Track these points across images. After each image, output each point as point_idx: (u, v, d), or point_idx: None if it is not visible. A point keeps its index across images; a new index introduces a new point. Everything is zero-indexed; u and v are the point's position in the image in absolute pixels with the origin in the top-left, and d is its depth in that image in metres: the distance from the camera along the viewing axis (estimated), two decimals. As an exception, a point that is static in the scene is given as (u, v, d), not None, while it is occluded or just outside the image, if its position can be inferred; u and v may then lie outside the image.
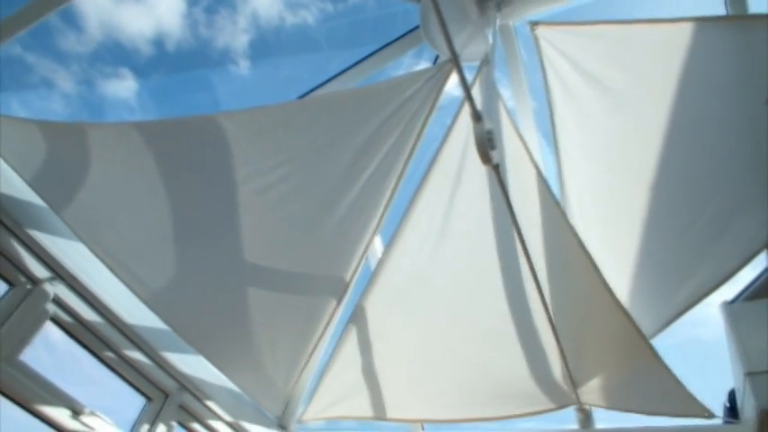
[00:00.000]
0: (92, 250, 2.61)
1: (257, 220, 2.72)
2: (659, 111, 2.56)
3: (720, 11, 2.57)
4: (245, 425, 3.32)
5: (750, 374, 2.60)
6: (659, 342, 2.72)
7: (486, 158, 1.94)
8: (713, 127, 2.54)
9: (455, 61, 1.91)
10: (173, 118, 2.59)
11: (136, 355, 2.86)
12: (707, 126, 2.56)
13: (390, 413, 3.15)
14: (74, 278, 2.51)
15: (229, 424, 3.27)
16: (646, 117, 2.60)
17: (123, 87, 4.10)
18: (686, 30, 2.46)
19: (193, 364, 3.04)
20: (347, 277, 2.89)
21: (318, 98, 2.82)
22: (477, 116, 1.94)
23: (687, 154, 2.59)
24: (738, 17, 2.46)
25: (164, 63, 4.20)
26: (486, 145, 1.92)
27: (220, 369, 3.07)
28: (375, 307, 2.92)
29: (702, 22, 2.44)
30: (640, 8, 3.31)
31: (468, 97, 1.92)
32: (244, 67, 4.30)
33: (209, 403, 3.14)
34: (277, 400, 3.35)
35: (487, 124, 1.95)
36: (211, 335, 2.96)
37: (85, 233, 2.57)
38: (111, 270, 2.65)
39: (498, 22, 2.54)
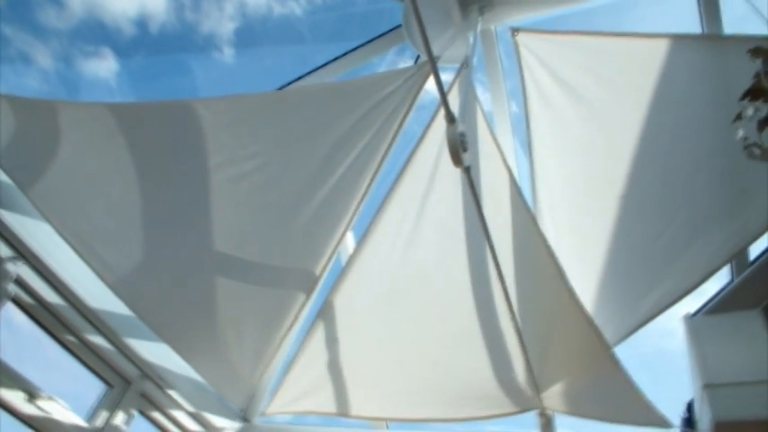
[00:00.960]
0: (58, 231, 2.56)
1: (229, 209, 2.70)
2: (633, 122, 2.60)
3: (696, 30, 2.62)
4: (208, 416, 3.30)
5: (707, 387, 2.66)
6: (627, 352, 2.76)
7: (457, 160, 1.95)
8: (684, 141, 2.59)
9: (431, 63, 1.93)
10: (148, 101, 2.56)
11: (98, 340, 2.82)
12: (678, 140, 2.61)
13: (355, 410, 3.15)
14: (37, 259, 2.46)
15: (191, 414, 3.24)
16: (619, 127, 2.64)
17: (103, 67, 4.03)
18: (662, 45, 2.51)
19: (157, 353, 3.01)
20: (317, 271, 2.88)
21: (297, 90, 2.81)
22: (450, 118, 1.95)
23: (658, 165, 2.64)
24: (713, 37, 2.51)
25: (146, 45, 4.13)
26: (459, 147, 1.93)
27: (184, 358, 3.04)
28: (344, 303, 2.91)
29: (678, 39, 2.48)
30: (620, 23, 3.36)
31: (443, 98, 1.93)
32: (228, 54, 4.26)
33: (172, 393, 3.11)
34: (241, 393, 3.32)
35: (461, 126, 1.96)
36: (177, 323, 2.92)
37: (52, 213, 2.52)
38: (77, 252, 2.60)
39: (480, 26, 2.56)
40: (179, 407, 3.17)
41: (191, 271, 2.84)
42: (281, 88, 2.89)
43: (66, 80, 3.90)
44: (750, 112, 1.74)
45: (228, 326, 2.96)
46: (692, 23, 2.70)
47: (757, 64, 1.83)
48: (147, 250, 2.78)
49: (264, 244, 2.80)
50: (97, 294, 2.75)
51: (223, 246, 2.76)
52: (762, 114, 1.80)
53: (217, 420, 3.35)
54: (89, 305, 2.67)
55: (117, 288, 2.75)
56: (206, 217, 2.68)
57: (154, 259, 2.80)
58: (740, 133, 1.86)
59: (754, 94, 1.77)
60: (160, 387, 3.06)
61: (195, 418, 3.27)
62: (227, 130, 2.52)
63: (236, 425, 3.45)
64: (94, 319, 2.77)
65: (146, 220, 2.71)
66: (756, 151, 1.77)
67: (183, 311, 2.92)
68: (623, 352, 2.76)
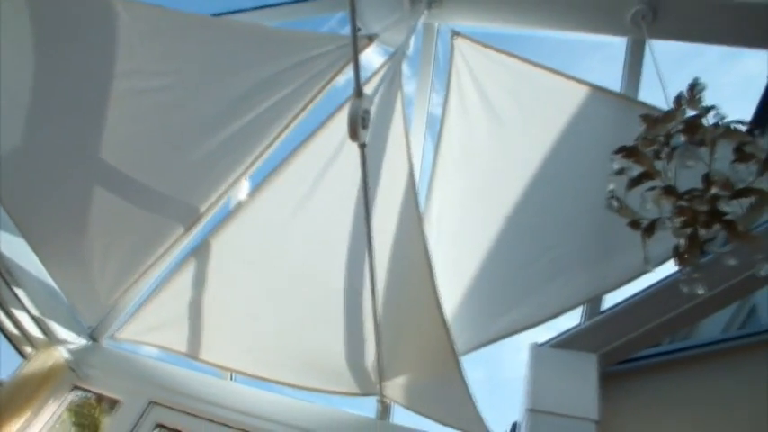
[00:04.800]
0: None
1: (126, 120, 2.59)
2: (537, 153, 2.72)
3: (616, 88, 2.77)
4: (53, 325, 3.16)
5: (530, 411, 2.84)
6: (495, 373, 2.90)
7: (354, 135, 1.98)
8: (576, 184, 2.74)
9: (353, 35, 1.94)
10: (67, -16, 2.40)
11: (-52, 216, 2.64)
12: (571, 181, 2.75)
13: (204, 354, 3.12)
14: None
15: (35, 318, 3.10)
16: (523, 155, 2.76)
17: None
18: (583, 91, 2.64)
19: (12, 246, 2.85)
20: (202, 209, 2.82)
21: (227, 22, 2.70)
22: (359, 92, 1.97)
23: (547, 200, 2.78)
24: (626, 98, 2.66)
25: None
26: (358, 122, 1.96)
27: (41, 259, 2.91)
28: (221, 247, 2.87)
29: (597, 90, 2.63)
30: (572, 65, 3.44)
31: (356, 71, 1.95)
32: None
33: (18, 291, 2.95)
34: (95, 310, 3.21)
35: (366, 103, 1.98)
36: (42, 221, 2.79)
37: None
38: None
39: (423, 18, 2.58)
40: (23, 307, 3.02)
41: (70, 172, 2.71)
42: (214, 15, 2.79)
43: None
44: (615, 165, 1.87)
45: (96, 238, 2.85)
46: (613, 80, 2.85)
47: (642, 129, 1.97)
48: (29, 137, 2.62)
49: (154, 166, 2.71)
50: (-40, 168, 2.57)
51: (110, 156, 2.65)
52: (632, 174, 1.94)
53: (62, 332, 3.21)
54: (-54, 177, 2.50)
55: (-16, 167, 2.59)
56: (99, 121, 2.56)
57: (33, 149, 2.65)
58: (610, 186, 2.00)
59: (629, 152, 1.91)
60: (6, 282, 2.91)
61: (39, 323, 3.12)
62: (142, 39, 2.41)
63: (82, 341, 3.33)
64: (-51, 193, 2.60)
65: (34, 106, 2.55)
66: (615, 204, 1.91)
67: (52, 210, 2.78)
68: (489, 370, 2.89)
